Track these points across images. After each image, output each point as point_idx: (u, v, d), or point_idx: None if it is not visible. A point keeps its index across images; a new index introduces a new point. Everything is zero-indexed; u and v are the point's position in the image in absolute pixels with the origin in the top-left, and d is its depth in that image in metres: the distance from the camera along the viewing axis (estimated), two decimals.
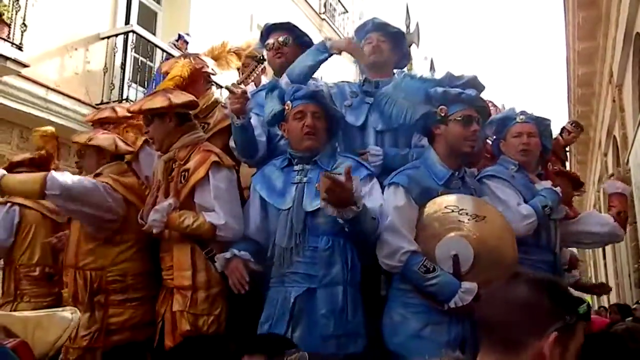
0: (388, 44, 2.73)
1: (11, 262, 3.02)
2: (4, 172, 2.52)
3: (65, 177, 2.45)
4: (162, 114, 2.50)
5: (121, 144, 2.78)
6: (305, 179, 2.30)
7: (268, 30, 2.89)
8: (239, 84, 3.13)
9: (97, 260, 2.53)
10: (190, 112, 2.63)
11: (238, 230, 2.38)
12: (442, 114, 2.29)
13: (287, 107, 2.38)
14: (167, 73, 2.91)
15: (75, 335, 2.41)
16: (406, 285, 2.21)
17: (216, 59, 3.10)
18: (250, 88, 3.19)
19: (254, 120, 2.59)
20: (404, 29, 3.48)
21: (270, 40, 2.84)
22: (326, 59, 2.65)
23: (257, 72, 3.36)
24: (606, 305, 11.32)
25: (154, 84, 6.09)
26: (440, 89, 2.31)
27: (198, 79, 2.85)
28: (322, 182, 2.00)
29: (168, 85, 2.72)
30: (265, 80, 3.43)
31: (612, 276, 10.85)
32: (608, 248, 9.75)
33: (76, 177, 2.50)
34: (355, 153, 2.57)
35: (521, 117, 2.67)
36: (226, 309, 2.39)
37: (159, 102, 2.50)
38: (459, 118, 2.26)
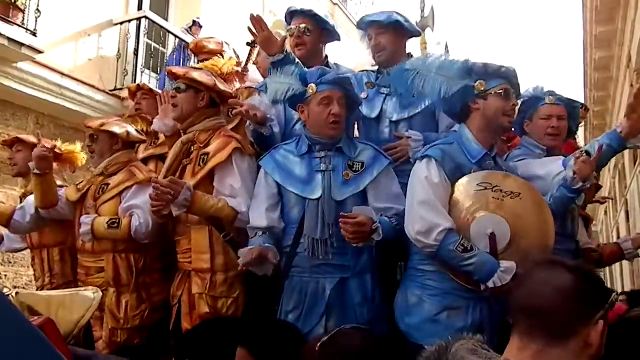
0: (389, 35, 2.62)
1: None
2: (95, 216, 2.64)
3: (143, 219, 2.56)
4: (199, 90, 2.53)
5: (133, 132, 2.81)
6: (330, 167, 2.28)
7: (291, 15, 2.80)
8: (243, 71, 3.15)
9: (138, 242, 2.61)
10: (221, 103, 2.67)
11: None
12: (482, 88, 2.20)
13: (310, 90, 2.30)
14: (202, 48, 3.08)
15: (124, 316, 2.54)
16: (426, 266, 2.18)
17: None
18: (251, 73, 3.17)
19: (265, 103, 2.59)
20: (418, 12, 3.44)
21: (293, 26, 2.75)
22: None
23: (255, 56, 3.29)
24: (619, 290, 11.24)
25: (178, 54, 6.32)
26: (480, 62, 2.24)
27: (230, 80, 2.92)
28: (344, 229, 2.10)
29: (206, 67, 2.82)
30: None
31: (627, 262, 10.76)
32: (623, 233, 9.65)
33: (148, 219, 2.56)
34: (380, 141, 2.53)
35: (551, 97, 2.57)
36: (244, 293, 2.41)
37: (204, 77, 2.55)
38: (500, 92, 2.19)
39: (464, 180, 2.16)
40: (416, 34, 2.80)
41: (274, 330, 2.04)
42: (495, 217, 2.09)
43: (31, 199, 2.94)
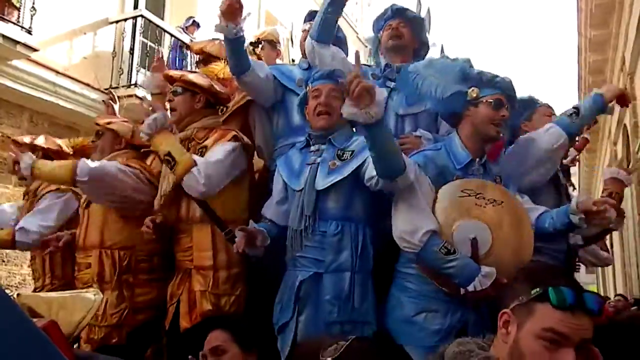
0: (408, 29, 2.73)
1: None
2: (34, 157, 2.61)
3: (93, 164, 2.53)
4: (195, 92, 2.56)
5: (138, 135, 2.81)
6: (319, 159, 2.28)
7: (310, 17, 2.96)
8: None
9: (126, 239, 2.60)
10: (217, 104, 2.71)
11: (210, 180, 2.33)
12: (474, 95, 2.22)
13: (307, 89, 2.42)
14: (201, 51, 3.10)
15: (102, 314, 2.50)
16: (408, 269, 2.19)
17: None
18: None
19: (270, 71, 2.77)
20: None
21: (306, 27, 2.92)
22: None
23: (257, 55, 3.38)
24: (612, 295, 11.30)
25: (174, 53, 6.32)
26: (476, 70, 2.26)
27: (227, 84, 2.94)
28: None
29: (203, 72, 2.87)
30: (279, 62, 3.52)
31: (620, 265, 10.82)
32: (616, 237, 9.69)
33: (102, 163, 2.55)
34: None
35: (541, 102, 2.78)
36: (245, 290, 2.43)
37: (200, 79, 2.59)
38: (491, 101, 2.20)
39: (448, 186, 2.17)
40: (424, 54, 2.87)
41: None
42: (478, 223, 2.11)
43: (27, 218, 2.95)
